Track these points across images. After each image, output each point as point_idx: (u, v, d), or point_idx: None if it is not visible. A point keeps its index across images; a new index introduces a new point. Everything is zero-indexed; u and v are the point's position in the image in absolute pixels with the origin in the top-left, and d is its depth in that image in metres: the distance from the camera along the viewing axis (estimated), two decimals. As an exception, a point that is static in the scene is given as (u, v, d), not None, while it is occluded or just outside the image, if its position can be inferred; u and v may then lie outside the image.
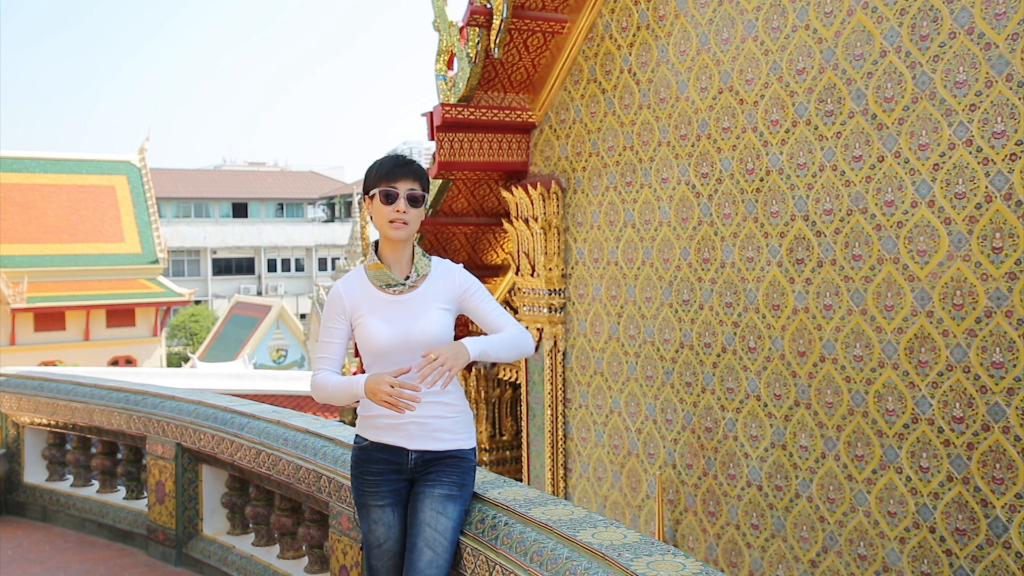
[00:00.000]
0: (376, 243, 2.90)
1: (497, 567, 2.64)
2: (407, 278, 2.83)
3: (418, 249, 2.89)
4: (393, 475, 2.82)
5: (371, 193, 2.82)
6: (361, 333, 2.81)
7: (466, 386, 7.17)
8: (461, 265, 2.94)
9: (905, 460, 3.90)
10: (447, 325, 2.84)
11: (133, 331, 31.97)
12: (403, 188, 2.78)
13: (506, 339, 2.82)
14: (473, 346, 2.71)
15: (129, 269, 32.03)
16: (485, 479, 3.11)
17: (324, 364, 2.85)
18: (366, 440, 2.88)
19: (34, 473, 5.99)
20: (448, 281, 2.87)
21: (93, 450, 5.82)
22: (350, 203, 50.58)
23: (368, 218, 2.97)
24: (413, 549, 2.74)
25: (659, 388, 5.22)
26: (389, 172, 2.79)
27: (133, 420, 5.13)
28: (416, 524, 2.76)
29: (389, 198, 2.77)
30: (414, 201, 2.78)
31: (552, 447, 6.08)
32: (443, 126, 5.89)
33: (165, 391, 5.22)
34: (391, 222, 2.77)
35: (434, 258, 2.95)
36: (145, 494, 5.34)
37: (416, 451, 2.79)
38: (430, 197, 6.39)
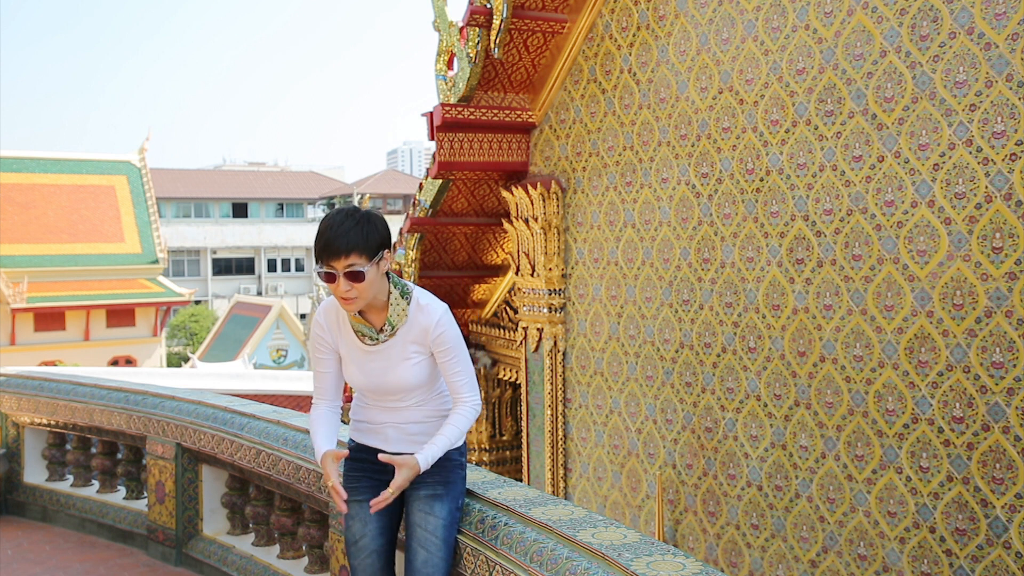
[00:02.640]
0: None
1: (497, 567, 2.64)
2: (381, 331, 2.72)
3: (395, 292, 2.70)
4: (374, 473, 2.84)
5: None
6: (343, 371, 2.88)
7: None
8: (445, 311, 2.75)
9: (905, 460, 3.90)
10: (420, 372, 2.76)
11: (133, 331, 31.96)
12: (340, 267, 2.56)
13: (460, 425, 2.78)
14: (426, 459, 2.71)
15: (129, 269, 32.02)
16: (485, 479, 3.11)
17: (319, 396, 2.94)
18: (353, 442, 2.96)
19: (34, 473, 5.99)
20: (422, 335, 2.72)
21: (93, 450, 5.81)
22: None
23: None
24: (408, 551, 2.78)
25: (659, 388, 5.22)
26: (320, 252, 2.58)
27: (133, 420, 5.13)
28: (408, 527, 2.80)
29: (329, 278, 2.60)
30: (355, 278, 2.55)
31: (552, 447, 6.08)
32: (443, 126, 5.89)
33: (165, 391, 5.22)
34: (341, 299, 2.63)
35: (414, 299, 2.73)
36: (145, 494, 5.34)
37: (395, 454, 2.80)
38: (429, 197, 6.41)
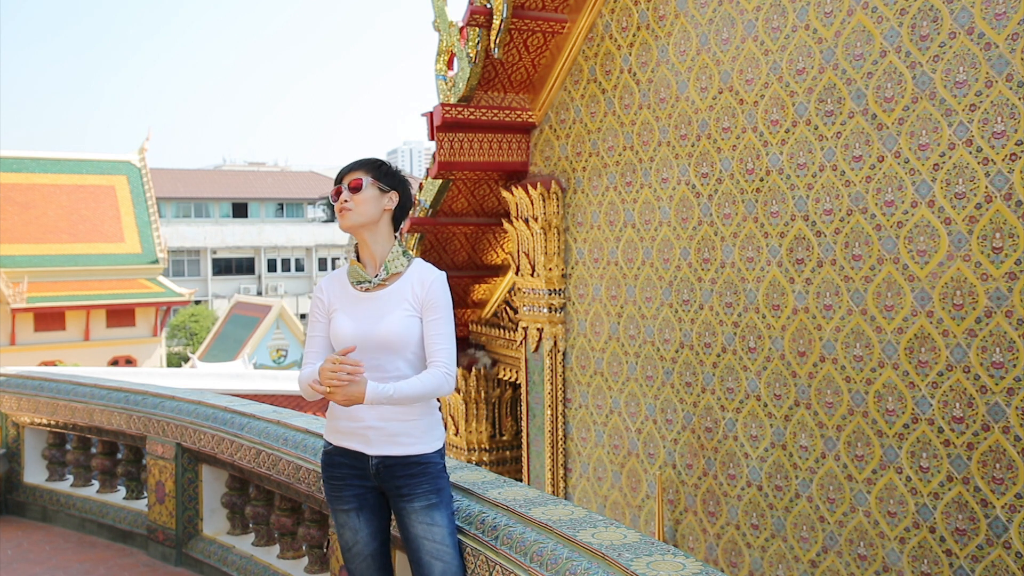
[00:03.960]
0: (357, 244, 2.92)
1: (497, 567, 2.64)
2: (376, 275, 2.81)
3: (397, 248, 2.84)
4: (356, 480, 2.81)
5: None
6: (331, 328, 2.84)
7: (466, 386, 7.17)
8: (443, 276, 2.84)
9: (905, 460, 3.90)
10: (411, 327, 2.76)
11: (133, 331, 31.96)
12: (347, 180, 2.82)
13: (424, 381, 2.71)
14: (373, 389, 2.61)
15: (129, 269, 32.02)
16: (485, 479, 3.11)
17: (309, 359, 2.87)
18: (331, 444, 2.88)
19: (34, 473, 5.99)
20: (418, 287, 2.80)
21: (93, 450, 5.81)
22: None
23: None
24: (420, 564, 2.74)
25: (659, 388, 5.22)
26: (336, 177, 2.87)
27: (133, 420, 5.13)
28: (411, 540, 2.76)
29: (336, 195, 2.83)
30: (355, 188, 2.79)
31: (552, 447, 6.08)
32: (443, 126, 5.89)
33: (165, 391, 5.22)
34: (338, 212, 2.81)
35: (417, 260, 2.88)
36: (145, 494, 5.34)
37: (376, 456, 2.77)
38: (429, 197, 6.41)
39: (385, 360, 2.75)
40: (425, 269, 2.84)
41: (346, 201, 2.78)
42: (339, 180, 2.85)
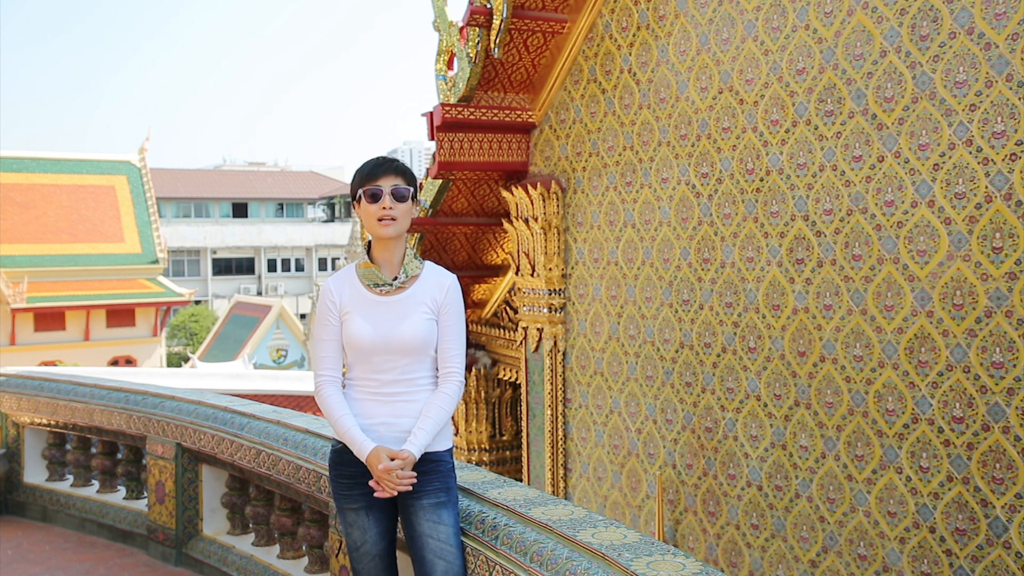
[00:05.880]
0: (370, 243, 2.91)
1: (497, 567, 2.64)
2: (395, 279, 2.82)
3: (411, 251, 2.88)
4: (366, 478, 2.79)
5: (357, 196, 2.84)
6: (346, 331, 2.82)
7: (466, 386, 7.17)
8: (456, 279, 2.91)
9: (905, 460, 3.90)
10: (431, 330, 2.81)
11: (133, 331, 31.96)
12: (387, 185, 2.78)
13: (446, 405, 2.80)
14: (419, 447, 2.73)
15: (129, 269, 32.02)
16: (485, 479, 3.11)
17: (326, 370, 2.85)
18: (340, 442, 2.86)
19: (34, 473, 5.99)
20: (436, 290, 2.84)
21: (93, 450, 5.82)
22: (350, 203, 50.63)
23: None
24: (423, 562, 2.74)
25: (659, 388, 5.22)
26: (371, 172, 2.81)
27: (133, 420, 5.14)
28: (416, 538, 2.75)
29: (375, 197, 2.78)
30: (400, 197, 2.78)
31: (552, 447, 6.08)
32: (443, 126, 5.89)
33: (165, 391, 5.22)
34: (379, 220, 2.77)
35: (428, 263, 2.91)
36: (145, 494, 5.34)
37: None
38: (429, 197, 6.41)
39: (405, 363, 2.79)
40: (440, 272, 2.90)
41: (391, 209, 2.77)
42: (375, 177, 2.80)
